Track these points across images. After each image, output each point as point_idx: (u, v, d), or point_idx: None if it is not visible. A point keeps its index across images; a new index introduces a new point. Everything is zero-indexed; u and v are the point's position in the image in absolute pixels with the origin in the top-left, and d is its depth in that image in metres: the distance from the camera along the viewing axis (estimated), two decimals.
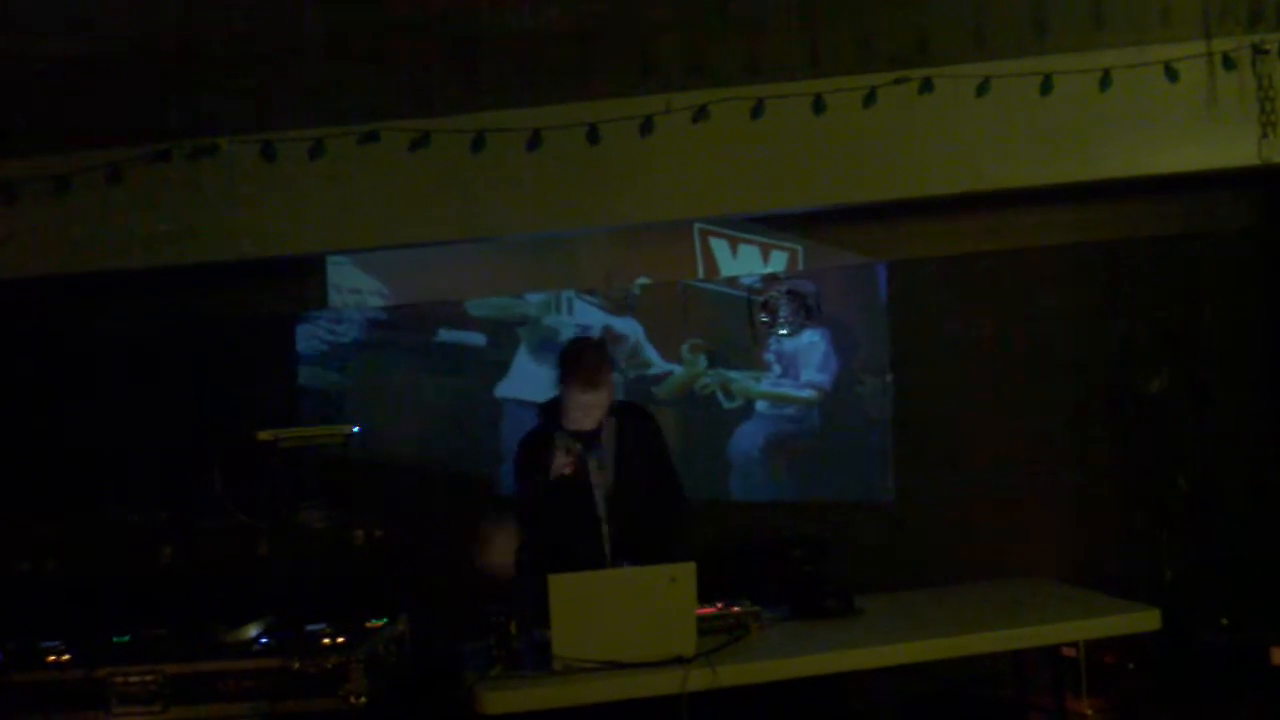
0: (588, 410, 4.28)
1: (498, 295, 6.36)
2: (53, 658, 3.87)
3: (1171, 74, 5.03)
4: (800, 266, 6.35)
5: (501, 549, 4.15)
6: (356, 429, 5.02)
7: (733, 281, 6.41)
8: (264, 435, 4.66)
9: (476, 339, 6.37)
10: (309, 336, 6.30)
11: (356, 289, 6.27)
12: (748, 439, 6.37)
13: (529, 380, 6.23)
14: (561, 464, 4.36)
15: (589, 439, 4.36)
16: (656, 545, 4.27)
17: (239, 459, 4.97)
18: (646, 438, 4.51)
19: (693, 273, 6.40)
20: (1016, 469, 6.11)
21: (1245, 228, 5.98)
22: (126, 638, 4.08)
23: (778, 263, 6.38)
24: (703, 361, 6.33)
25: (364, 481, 5.34)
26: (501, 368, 6.33)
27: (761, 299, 6.37)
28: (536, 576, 3.84)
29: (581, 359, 4.31)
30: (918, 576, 5.62)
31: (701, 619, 3.91)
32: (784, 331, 6.36)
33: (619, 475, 4.37)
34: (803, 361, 6.36)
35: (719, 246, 6.38)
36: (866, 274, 6.37)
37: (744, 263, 6.39)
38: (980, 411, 6.18)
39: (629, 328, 6.38)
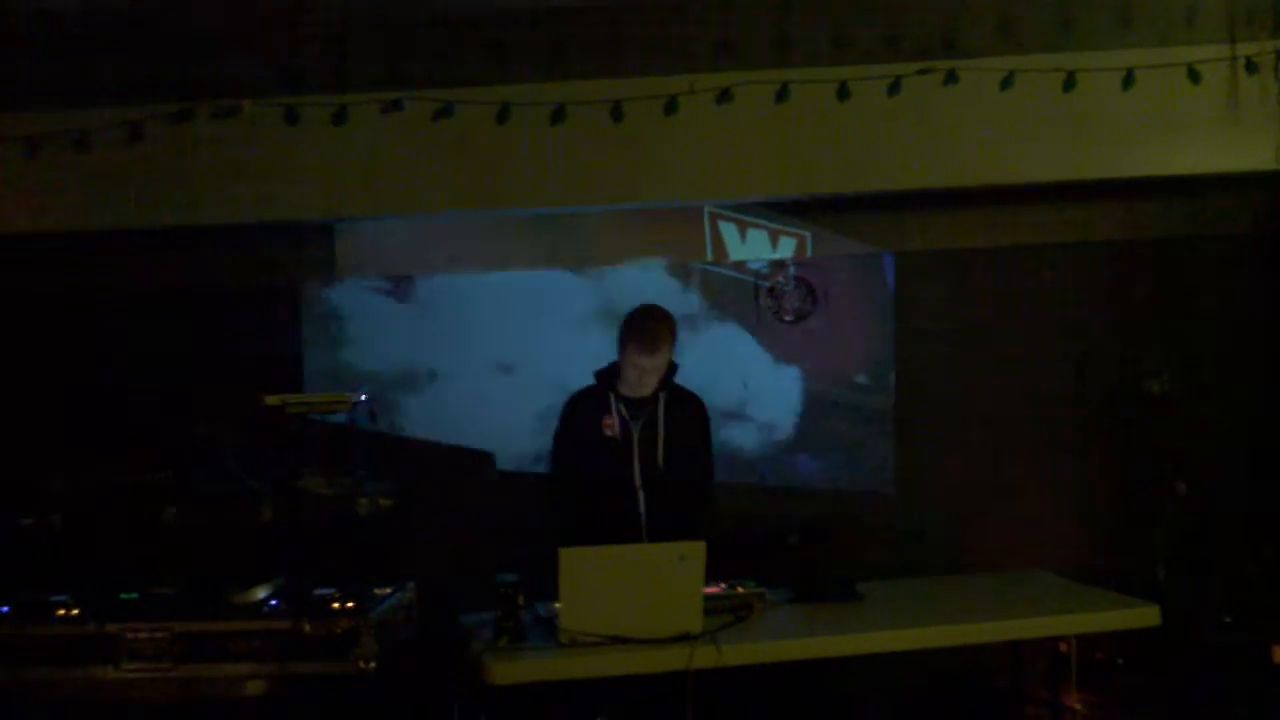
0: (644, 375, 4.32)
1: (503, 270, 6.35)
2: (62, 611, 3.88)
3: (1194, 76, 5.03)
4: (808, 253, 6.35)
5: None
6: (363, 397, 5.01)
7: (740, 266, 6.41)
8: (271, 400, 4.63)
9: (483, 310, 6.37)
10: (317, 303, 6.30)
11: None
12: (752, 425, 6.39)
13: None
14: (606, 425, 4.39)
15: (638, 407, 4.40)
16: (686, 524, 4.32)
17: (245, 423, 4.97)
18: (694, 420, 4.56)
19: (701, 255, 6.40)
20: (1017, 463, 6.13)
21: (1257, 231, 5.99)
22: (135, 595, 4.09)
23: (786, 249, 6.38)
24: None
25: (370, 450, 5.36)
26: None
27: (768, 284, 6.37)
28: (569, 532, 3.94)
29: (643, 322, 4.36)
30: (916, 566, 5.68)
31: (706, 598, 3.92)
32: (789, 318, 6.36)
33: (662, 449, 4.41)
34: None
35: (728, 230, 6.38)
36: (874, 263, 6.38)
37: (752, 247, 6.39)
38: (982, 405, 6.19)
39: None
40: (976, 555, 5.86)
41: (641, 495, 4.37)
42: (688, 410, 4.54)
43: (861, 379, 6.40)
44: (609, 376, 4.47)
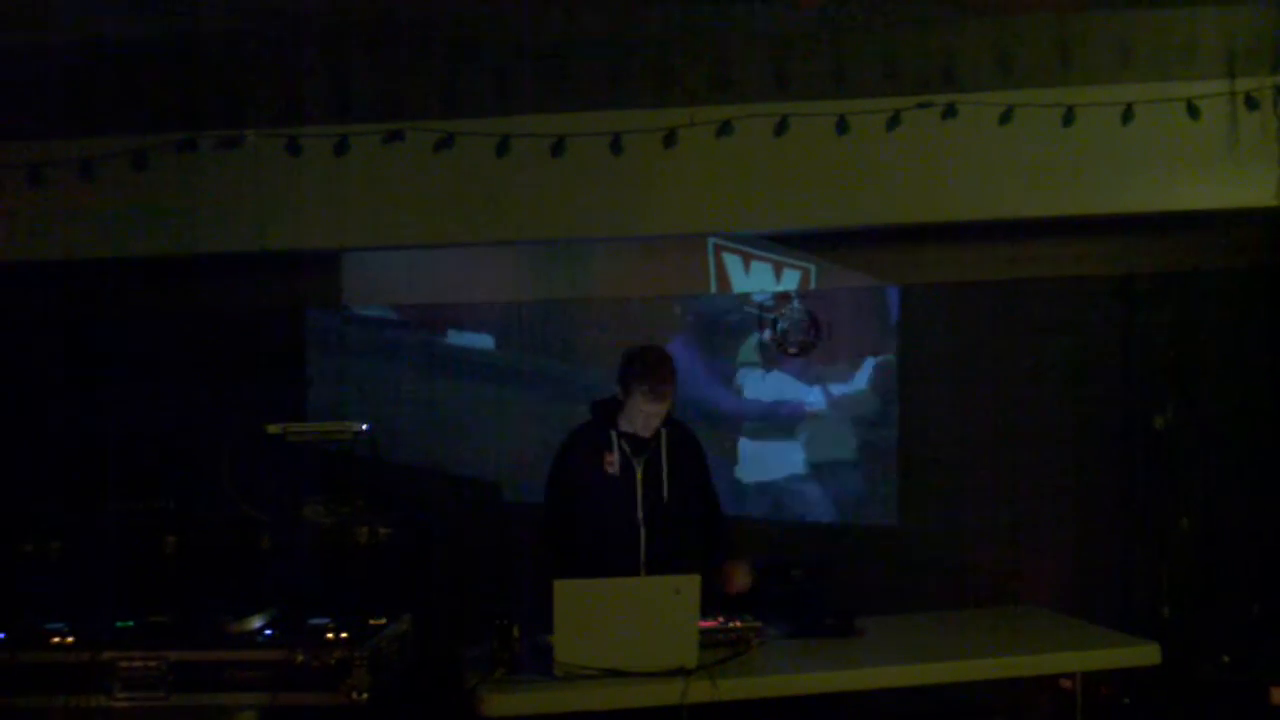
0: (649, 419, 4.32)
1: (507, 300, 6.37)
2: (57, 639, 3.87)
3: (1194, 111, 5.05)
4: (812, 286, 6.36)
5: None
6: (365, 426, 5.01)
7: (744, 298, 6.42)
8: (272, 429, 4.64)
9: (485, 341, 6.39)
10: (320, 332, 6.32)
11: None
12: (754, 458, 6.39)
13: None
14: (608, 462, 4.38)
15: (639, 443, 4.39)
16: (704, 555, 4.38)
17: (246, 451, 4.97)
18: (694, 454, 4.56)
19: (705, 287, 6.41)
20: (1020, 498, 6.11)
21: (1258, 266, 5.98)
22: (130, 623, 4.08)
23: (790, 281, 6.39)
24: None
25: (370, 480, 5.36)
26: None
27: (772, 317, 6.38)
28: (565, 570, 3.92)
29: (655, 370, 4.31)
30: (918, 601, 5.65)
31: (702, 632, 3.91)
32: (794, 350, 6.36)
33: (667, 485, 4.40)
34: None
35: (732, 262, 6.39)
36: (878, 296, 6.38)
37: (756, 279, 6.40)
38: (986, 439, 6.18)
39: None
40: (980, 590, 5.84)
41: (643, 532, 4.35)
42: (686, 443, 4.54)
43: (865, 412, 6.39)
44: (608, 412, 4.45)
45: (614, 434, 4.39)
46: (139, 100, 5.09)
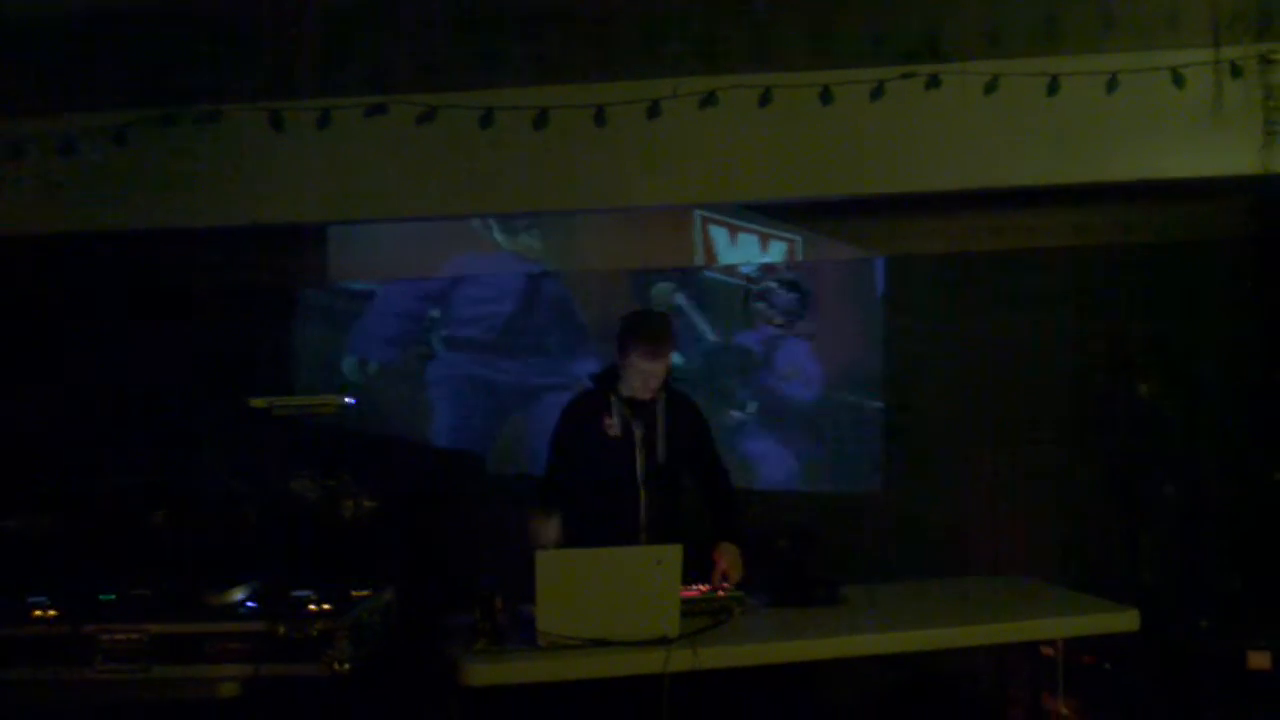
0: (647, 380, 4.36)
1: (495, 273, 6.38)
2: (39, 613, 3.88)
3: (1178, 80, 5.04)
4: (799, 257, 6.36)
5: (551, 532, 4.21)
6: (350, 400, 5.02)
7: (730, 270, 6.42)
8: (258, 402, 4.64)
9: (473, 314, 6.39)
10: (307, 306, 6.32)
11: None
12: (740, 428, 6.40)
13: None
14: (608, 425, 4.41)
15: (639, 408, 4.43)
16: (718, 521, 4.50)
17: (232, 425, 4.98)
18: (695, 419, 4.59)
19: (692, 259, 6.41)
20: (1004, 467, 6.13)
21: (1242, 236, 5.98)
22: (113, 596, 4.09)
23: (776, 253, 6.39)
24: None
25: (356, 452, 5.37)
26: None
27: (759, 288, 6.38)
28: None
29: (648, 328, 4.37)
30: (901, 570, 5.67)
31: (686, 601, 3.93)
32: (780, 321, 6.36)
33: (666, 448, 4.44)
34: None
35: (718, 234, 6.40)
36: (864, 267, 6.39)
37: (743, 251, 6.40)
38: (970, 409, 6.20)
39: None
40: (961, 560, 5.86)
41: (642, 493, 4.38)
42: (687, 410, 4.58)
43: (851, 382, 6.40)
44: (607, 380, 4.49)
45: (614, 398, 4.44)
46: (120, 75, 5.08)
